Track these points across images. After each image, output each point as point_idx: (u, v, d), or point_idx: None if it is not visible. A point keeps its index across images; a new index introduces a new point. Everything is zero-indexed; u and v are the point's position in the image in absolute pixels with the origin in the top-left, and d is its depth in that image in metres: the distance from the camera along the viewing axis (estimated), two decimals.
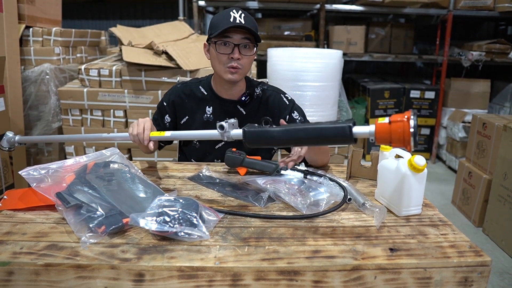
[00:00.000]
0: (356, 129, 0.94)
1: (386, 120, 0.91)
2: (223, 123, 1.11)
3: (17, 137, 1.49)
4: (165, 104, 1.59)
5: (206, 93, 1.55)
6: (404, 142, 0.89)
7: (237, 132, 1.11)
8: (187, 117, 1.57)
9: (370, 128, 0.93)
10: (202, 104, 1.55)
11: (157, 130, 1.58)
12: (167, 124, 1.60)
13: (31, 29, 2.90)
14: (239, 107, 1.54)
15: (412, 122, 0.87)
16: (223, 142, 1.56)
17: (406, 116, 0.89)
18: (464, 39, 4.83)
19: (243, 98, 1.52)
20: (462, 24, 5.23)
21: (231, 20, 1.35)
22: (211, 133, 1.17)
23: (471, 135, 3.19)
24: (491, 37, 4.71)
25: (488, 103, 4.38)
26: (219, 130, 1.12)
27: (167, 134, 1.27)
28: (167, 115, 1.59)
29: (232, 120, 1.13)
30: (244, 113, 1.55)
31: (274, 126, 1.05)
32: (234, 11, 1.37)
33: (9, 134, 1.51)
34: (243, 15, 1.37)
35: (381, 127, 0.90)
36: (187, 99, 1.56)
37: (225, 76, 1.43)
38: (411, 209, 1.13)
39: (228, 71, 1.42)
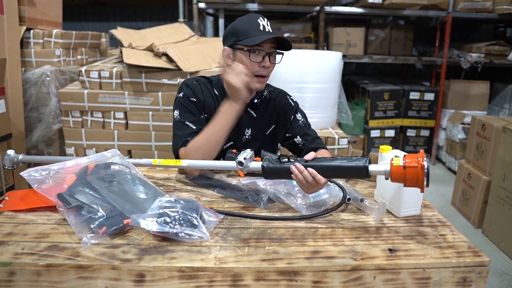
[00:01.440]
0: (372, 168, 1.04)
1: (400, 162, 0.99)
2: (241, 159, 1.14)
3: (20, 156, 1.49)
4: (194, 100, 1.46)
5: (218, 94, 1.52)
6: (418, 184, 0.98)
7: (256, 166, 1.15)
8: (206, 115, 1.50)
9: (385, 167, 1.02)
10: (215, 103, 1.51)
11: (195, 129, 1.42)
12: (203, 120, 1.48)
13: (31, 31, 2.90)
14: (249, 109, 1.55)
15: (425, 166, 0.96)
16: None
17: (420, 158, 0.97)
18: (463, 41, 4.84)
19: (256, 101, 1.53)
20: (461, 26, 5.24)
21: (261, 28, 1.37)
22: (229, 165, 1.22)
23: (471, 137, 3.20)
24: (490, 39, 4.72)
25: (487, 104, 4.39)
26: (238, 166, 1.15)
27: (184, 163, 1.26)
28: (203, 111, 1.49)
29: (249, 152, 1.17)
30: (255, 115, 1.56)
31: (292, 160, 1.11)
32: (261, 18, 1.39)
33: (10, 153, 1.49)
34: (268, 23, 1.40)
35: (396, 170, 1.00)
36: (205, 96, 1.51)
37: (254, 85, 1.40)
38: (410, 210, 1.14)
39: (256, 80, 1.41)
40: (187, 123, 1.42)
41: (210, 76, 1.58)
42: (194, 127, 1.41)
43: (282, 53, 1.44)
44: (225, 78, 1.33)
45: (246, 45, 1.36)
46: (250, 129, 1.56)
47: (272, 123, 1.59)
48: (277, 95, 1.62)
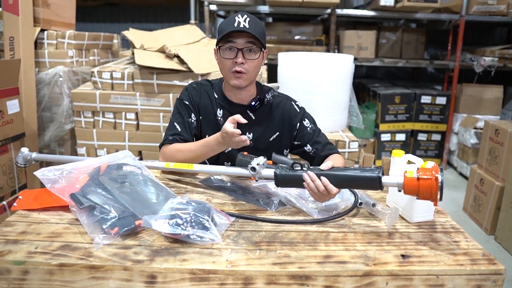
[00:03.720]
0: (385, 179, 1.03)
1: (414, 174, 0.99)
2: (254, 165, 1.15)
3: (33, 155, 1.50)
4: (187, 103, 1.54)
5: (217, 97, 1.56)
6: (431, 197, 0.97)
7: (269, 173, 1.15)
8: (201, 117, 1.57)
9: (399, 179, 1.01)
10: (214, 106, 1.56)
11: (184, 132, 1.51)
12: (194, 122, 1.55)
13: (45, 32, 2.94)
14: (248, 112, 1.54)
15: (439, 179, 0.95)
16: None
17: (433, 171, 0.96)
18: (476, 45, 4.79)
19: (253, 103, 1.52)
20: (474, 29, 5.19)
21: (235, 24, 1.35)
22: (241, 172, 1.23)
23: (483, 142, 3.16)
24: (504, 43, 4.66)
25: (500, 109, 4.33)
26: (251, 172, 1.16)
27: (196, 168, 1.30)
28: (193, 113, 1.55)
29: (262, 159, 1.17)
30: (253, 118, 1.55)
31: (305, 168, 1.11)
32: (239, 15, 1.37)
33: (24, 151, 1.50)
34: (248, 19, 1.37)
35: (410, 182, 0.99)
36: (202, 99, 1.57)
37: (230, 81, 1.44)
38: (423, 216, 1.12)
39: (233, 76, 1.42)
40: (175, 123, 1.53)
41: (212, 79, 1.64)
42: (179, 129, 1.51)
43: (261, 49, 1.42)
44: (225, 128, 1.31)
45: (218, 42, 1.40)
46: (251, 133, 1.56)
47: (276, 130, 1.57)
48: (281, 100, 1.58)
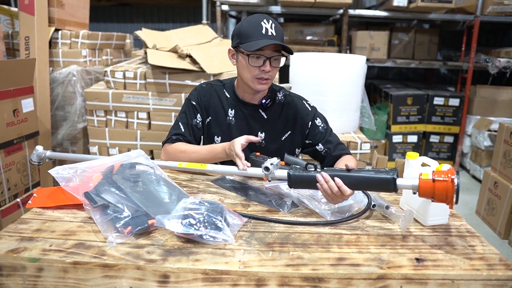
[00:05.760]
0: (400, 182, 1.02)
1: (429, 176, 0.97)
2: (268, 165, 1.14)
3: (47, 153, 1.52)
4: (194, 103, 1.56)
5: (229, 96, 1.57)
6: (447, 200, 0.96)
7: (282, 174, 1.14)
8: (210, 117, 1.58)
9: (413, 182, 1.00)
10: (225, 106, 1.56)
11: (187, 133, 1.55)
12: (199, 123, 1.57)
13: (60, 31, 2.98)
14: (260, 111, 1.55)
15: (455, 181, 0.94)
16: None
17: (449, 174, 0.95)
18: (491, 45, 4.71)
19: (264, 101, 1.52)
20: (489, 30, 5.11)
21: (263, 32, 1.34)
22: (254, 172, 1.23)
23: (498, 144, 3.10)
24: None
25: None
26: (264, 171, 1.15)
27: (209, 167, 1.31)
28: (199, 114, 1.56)
29: (275, 159, 1.17)
30: (266, 117, 1.55)
31: (318, 169, 1.10)
32: (265, 20, 1.36)
33: (39, 149, 1.53)
34: (273, 25, 1.36)
35: (425, 184, 0.97)
36: (211, 99, 1.57)
37: (255, 86, 1.44)
38: (438, 219, 1.11)
39: (257, 81, 1.42)
40: (180, 123, 1.55)
41: (223, 79, 1.65)
42: (182, 130, 1.54)
43: (285, 56, 1.43)
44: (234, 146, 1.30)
45: (246, 50, 1.38)
46: (263, 132, 1.56)
47: (288, 129, 1.57)
48: (293, 99, 1.59)
